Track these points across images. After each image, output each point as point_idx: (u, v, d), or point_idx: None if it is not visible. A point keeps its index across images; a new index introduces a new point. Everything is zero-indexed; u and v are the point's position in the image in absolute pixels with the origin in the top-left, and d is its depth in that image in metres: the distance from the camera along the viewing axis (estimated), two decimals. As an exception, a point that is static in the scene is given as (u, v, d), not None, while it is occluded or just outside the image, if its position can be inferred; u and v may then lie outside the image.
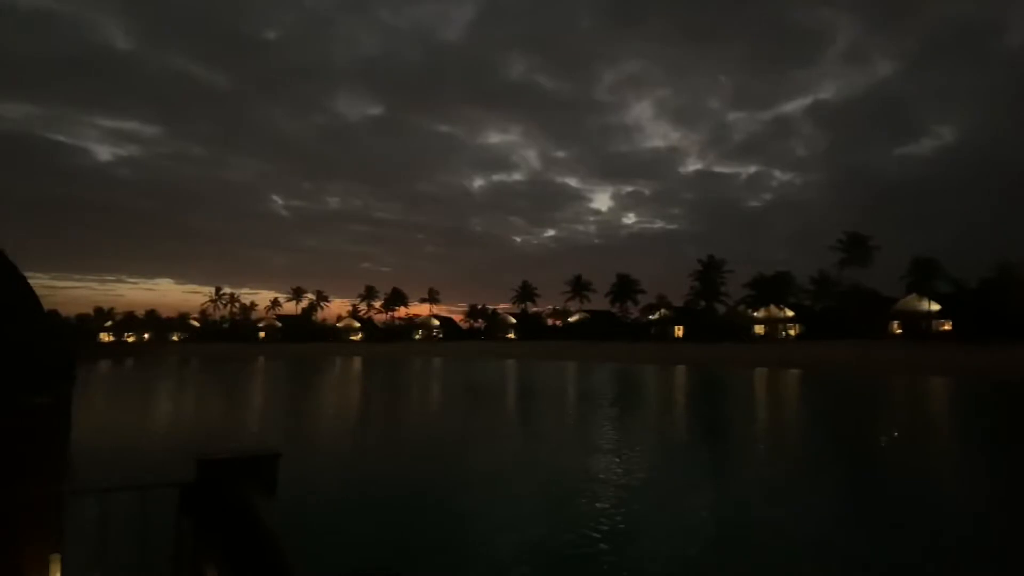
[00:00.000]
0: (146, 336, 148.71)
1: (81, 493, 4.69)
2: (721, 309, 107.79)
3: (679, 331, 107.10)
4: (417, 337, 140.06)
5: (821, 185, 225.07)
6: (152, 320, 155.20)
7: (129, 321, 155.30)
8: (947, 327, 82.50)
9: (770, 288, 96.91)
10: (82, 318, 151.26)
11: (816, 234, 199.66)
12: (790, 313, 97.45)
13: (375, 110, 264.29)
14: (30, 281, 5.43)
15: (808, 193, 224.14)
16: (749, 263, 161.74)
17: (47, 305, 5.89)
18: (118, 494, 4.36)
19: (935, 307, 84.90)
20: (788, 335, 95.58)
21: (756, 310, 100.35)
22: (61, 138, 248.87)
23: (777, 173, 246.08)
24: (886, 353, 64.67)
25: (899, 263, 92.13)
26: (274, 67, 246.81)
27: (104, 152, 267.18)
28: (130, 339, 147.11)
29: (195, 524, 4.22)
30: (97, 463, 14.62)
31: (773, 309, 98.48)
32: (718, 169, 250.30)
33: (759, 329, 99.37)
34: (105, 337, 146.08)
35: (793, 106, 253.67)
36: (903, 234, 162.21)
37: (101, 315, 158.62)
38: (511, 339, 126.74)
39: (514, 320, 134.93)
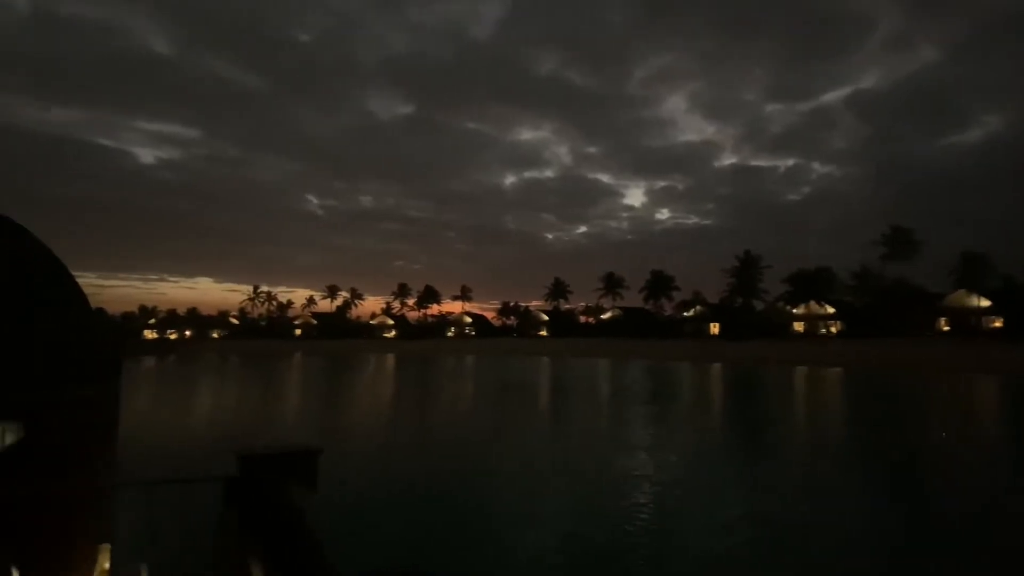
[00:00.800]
0: (187, 333, 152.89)
1: (129, 485, 4.80)
2: (758, 306, 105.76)
3: (715, 328, 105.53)
4: (450, 334, 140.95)
5: (862, 177, 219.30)
6: (193, 318, 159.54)
7: (171, 319, 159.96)
8: (998, 324, 79.49)
9: (810, 284, 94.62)
10: (127, 316, 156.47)
11: (857, 228, 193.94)
12: (831, 310, 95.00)
13: (406, 109, 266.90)
14: (78, 280, 5.58)
15: (848, 186, 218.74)
16: (787, 259, 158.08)
17: (94, 303, 6.04)
18: (164, 487, 4.45)
19: (985, 303, 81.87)
20: (829, 332, 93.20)
21: (795, 307, 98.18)
22: (106, 142, 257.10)
23: (816, 166, 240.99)
24: (932, 351, 62.57)
25: (945, 258, 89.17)
26: (306, 68, 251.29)
27: (146, 155, 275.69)
28: (172, 336, 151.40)
29: (238, 517, 4.28)
30: (143, 456, 15.04)
31: (813, 306, 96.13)
32: (754, 163, 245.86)
33: (798, 326, 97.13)
34: (149, 334, 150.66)
35: (832, 96, 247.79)
36: (948, 227, 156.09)
37: (145, 313, 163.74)
38: (544, 336, 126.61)
39: (546, 317, 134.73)
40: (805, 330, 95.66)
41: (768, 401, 35.53)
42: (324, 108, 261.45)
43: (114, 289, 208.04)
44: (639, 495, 13.68)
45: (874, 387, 41.63)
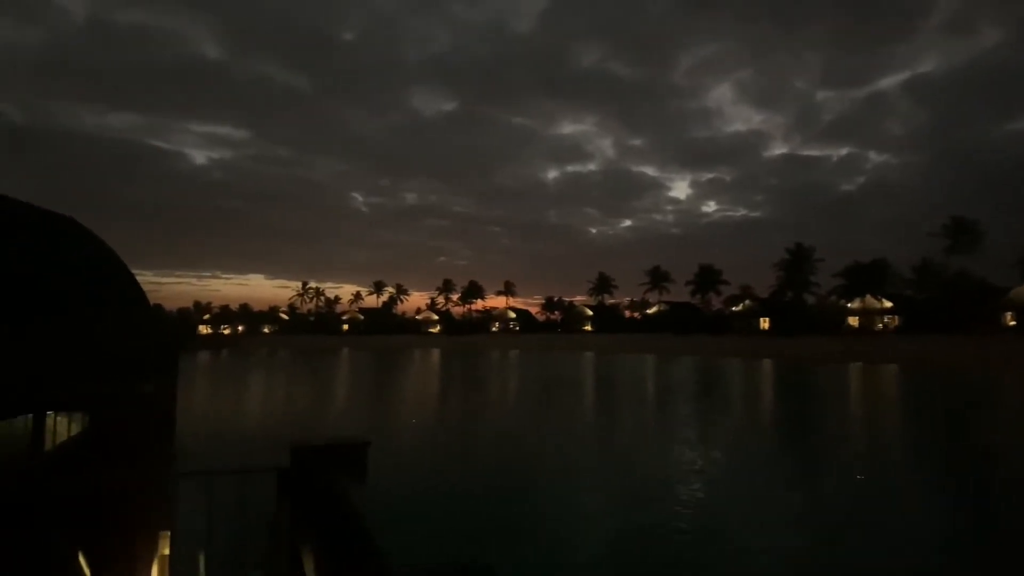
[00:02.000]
0: (240, 328, 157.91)
1: (188, 475, 4.97)
2: (810, 300, 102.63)
3: (764, 323, 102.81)
4: (494, 330, 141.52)
5: (921, 166, 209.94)
6: (245, 313, 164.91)
7: (225, 314, 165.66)
8: (1069, 318, 75.31)
9: (865, 277, 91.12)
10: (183, 312, 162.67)
11: (915, 219, 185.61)
12: (888, 304, 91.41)
13: (449, 105, 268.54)
14: (138, 278, 5.79)
15: (906, 175, 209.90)
16: (840, 252, 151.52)
17: (152, 300, 6.27)
18: (221, 477, 4.59)
19: (1054, 296, 77.63)
20: (886, 327, 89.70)
21: (849, 301, 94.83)
22: (161, 144, 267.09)
23: (872, 155, 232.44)
24: (996, 347, 59.55)
25: (1010, 249, 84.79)
26: (351, 67, 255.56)
27: (199, 156, 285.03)
28: (226, 331, 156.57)
29: (291, 508, 4.39)
30: (200, 448, 15.58)
31: (869, 300, 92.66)
32: (806, 152, 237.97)
33: (853, 321, 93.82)
34: (203, 329, 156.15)
35: (889, 82, 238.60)
36: (1013, 217, 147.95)
37: (200, 309, 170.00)
38: (588, 332, 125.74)
39: (591, 312, 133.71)
40: (860, 325, 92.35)
41: (819, 399, 34.46)
42: (369, 107, 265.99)
43: (170, 286, 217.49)
44: (686, 492, 13.46)
45: (931, 385, 39.90)
